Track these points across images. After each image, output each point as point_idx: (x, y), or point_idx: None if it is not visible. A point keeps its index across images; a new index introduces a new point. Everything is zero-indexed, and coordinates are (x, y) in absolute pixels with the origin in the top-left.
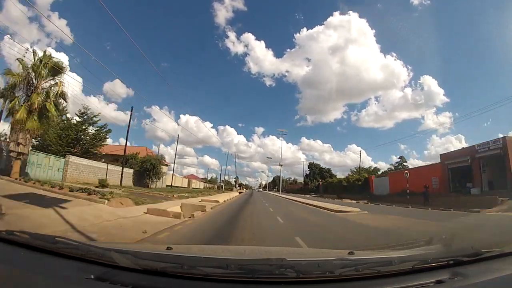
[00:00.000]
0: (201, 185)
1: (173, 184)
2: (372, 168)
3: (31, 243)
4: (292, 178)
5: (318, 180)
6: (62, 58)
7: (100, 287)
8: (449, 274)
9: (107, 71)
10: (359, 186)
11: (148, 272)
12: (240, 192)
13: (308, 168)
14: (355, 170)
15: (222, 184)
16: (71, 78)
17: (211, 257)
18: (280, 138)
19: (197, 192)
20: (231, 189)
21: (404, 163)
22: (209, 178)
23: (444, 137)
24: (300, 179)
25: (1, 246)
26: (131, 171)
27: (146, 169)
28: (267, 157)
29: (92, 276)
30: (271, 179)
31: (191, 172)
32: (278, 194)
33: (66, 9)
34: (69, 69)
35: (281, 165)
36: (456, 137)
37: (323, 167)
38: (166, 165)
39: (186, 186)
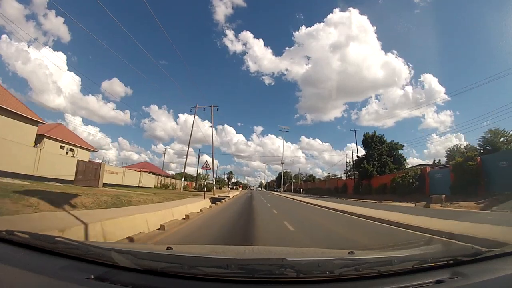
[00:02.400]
0: (148, 181)
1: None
2: (468, 146)
3: (31, 243)
4: (299, 174)
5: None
6: (60, 57)
7: (100, 287)
8: (449, 274)
9: (104, 70)
10: None
11: (148, 272)
12: (217, 200)
13: (364, 145)
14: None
15: (200, 181)
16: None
17: (211, 257)
18: None
19: None
20: (209, 191)
21: None
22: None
23: (443, 136)
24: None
25: (1, 246)
26: None
27: None
28: (281, 127)
29: (92, 276)
30: (270, 179)
31: (191, 172)
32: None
33: (64, 7)
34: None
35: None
36: (456, 135)
37: (394, 141)
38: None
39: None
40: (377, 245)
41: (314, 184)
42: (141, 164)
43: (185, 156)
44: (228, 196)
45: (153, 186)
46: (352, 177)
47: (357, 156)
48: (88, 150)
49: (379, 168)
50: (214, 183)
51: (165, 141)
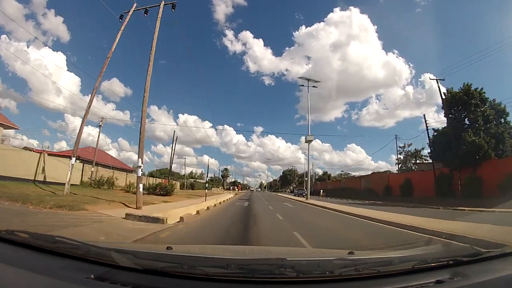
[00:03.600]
0: (59, 172)
1: None
2: None
3: (31, 243)
4: (315, 172)
5: None
6: (59, 57)
7: (100, 287)
8: (449, 274)
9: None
10: None
11: (148, 272)
12: None
13: (448, 107)
14: None
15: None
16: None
17: (211, 257)
18: None
19: None
20: (168, 194)
21: None
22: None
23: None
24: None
25: (1, 246)
26: None
27: None
28: (305, 78)
29: (92, 276)
30: (270, 179)
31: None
32: None
33: (63, 6)
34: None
35: None
36: None
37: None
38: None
39: None
40: (377, 245)
41: (337, 183)
42: (82, 149)
43: (173, 151)
44: (159, 220)
45: (78, 182)
46: (419, 167)
47: (437, 128)
48: (2, 127)
49: (493, 145)
50: (138, 174)
51: (165, 141)
